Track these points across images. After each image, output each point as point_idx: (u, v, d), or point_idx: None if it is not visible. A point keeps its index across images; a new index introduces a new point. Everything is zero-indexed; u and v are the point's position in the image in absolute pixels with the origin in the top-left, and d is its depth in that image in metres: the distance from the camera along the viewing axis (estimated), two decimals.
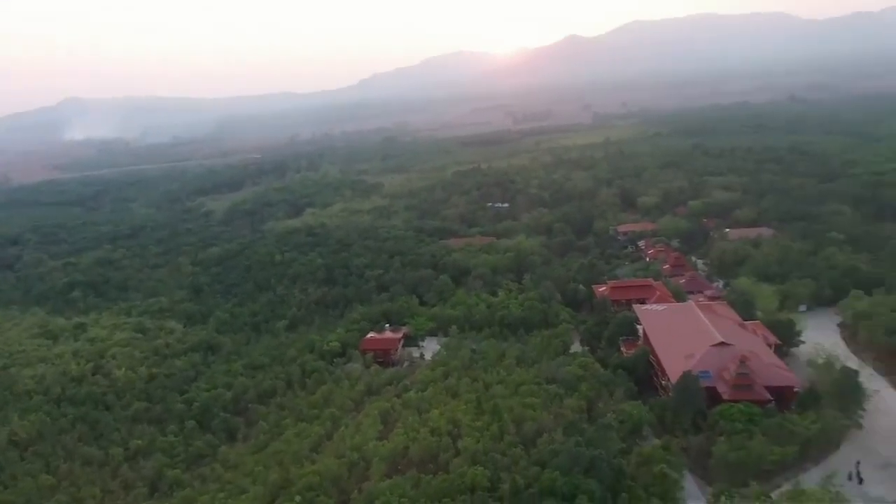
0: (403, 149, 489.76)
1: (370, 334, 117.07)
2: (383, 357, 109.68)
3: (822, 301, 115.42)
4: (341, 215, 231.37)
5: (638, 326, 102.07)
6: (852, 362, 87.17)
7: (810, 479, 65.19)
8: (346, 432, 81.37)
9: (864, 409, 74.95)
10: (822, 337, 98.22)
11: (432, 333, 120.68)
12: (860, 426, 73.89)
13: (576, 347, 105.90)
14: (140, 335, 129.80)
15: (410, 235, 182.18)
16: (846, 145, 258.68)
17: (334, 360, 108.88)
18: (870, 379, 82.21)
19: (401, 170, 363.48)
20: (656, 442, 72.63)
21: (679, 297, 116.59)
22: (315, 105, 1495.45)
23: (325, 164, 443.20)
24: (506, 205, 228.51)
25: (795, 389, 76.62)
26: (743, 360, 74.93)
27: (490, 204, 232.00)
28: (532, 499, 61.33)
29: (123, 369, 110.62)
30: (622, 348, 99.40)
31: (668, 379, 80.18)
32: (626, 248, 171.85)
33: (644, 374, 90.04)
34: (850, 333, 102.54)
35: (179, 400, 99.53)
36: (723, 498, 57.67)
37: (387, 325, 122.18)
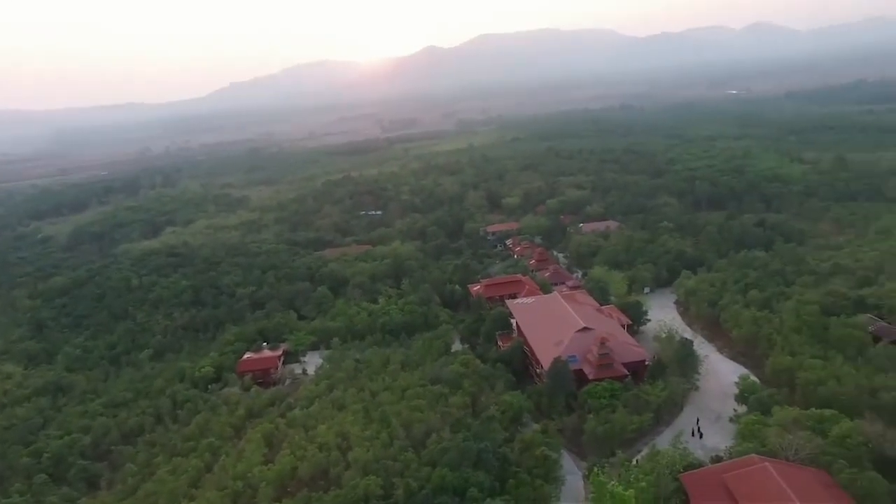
0: (269, 160, 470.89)
1: (247, 355, 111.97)
2: (263, 377, 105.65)
3: (661, 282, 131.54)
4: (206, 232, 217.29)
5: (511, 320, 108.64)
6: (687, 333, 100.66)
7: (663, 440, 74.06)
8: (228, 461, 77.39)
9: (699, 374, 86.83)
10: (663, 314, 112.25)
11: (314, 347, 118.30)
12: (697, 388, 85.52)
13: (457, 346, 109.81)
14: None
15: (283, 249, 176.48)
16: (667, 146, 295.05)
17: (209, 386, 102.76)
18: (701, 346, 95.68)
19: (268, 182, 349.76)
20: (535, 427, 78.04)
21: (545, 289, 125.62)
22: (167, 116, 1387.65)
23: (183, 179, 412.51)
24: (379, 212, 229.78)
25: (646, 363, 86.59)
26: (603, 342, 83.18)
27: (363, 212, 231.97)
28: (426, 499, 63.05)
29: None
30: (499, 343, 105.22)
31: (542, 367, 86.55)
32: (495, 247, 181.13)
33: (520, 364, 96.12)
34: (683, 309, 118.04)
35: (24, 453, 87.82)
36: (595, 469, 63.43)
37: (264, 344, 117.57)
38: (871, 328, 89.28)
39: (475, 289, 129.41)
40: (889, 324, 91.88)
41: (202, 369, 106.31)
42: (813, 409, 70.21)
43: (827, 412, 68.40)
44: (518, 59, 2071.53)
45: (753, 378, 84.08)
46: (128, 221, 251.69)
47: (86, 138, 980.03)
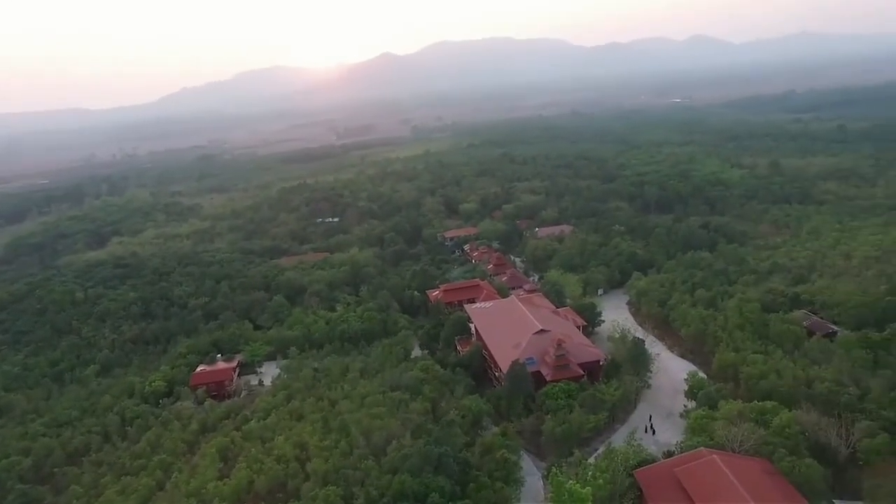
0: (222, 167, 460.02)
1: (200, 367, 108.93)
2: (217, 390, 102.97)
3: (614, 284, 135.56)
4: (155, 242, 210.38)
5: (470, 325, 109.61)
6: (640, 333, 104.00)
7: (619, 438, 76.36)
8: (181, 478, 75.06)
9: (650, 372, 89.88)
10: (616, 314, 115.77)
11: (271, 357, 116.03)
12: (650, 386, 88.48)
13: (416, 352, 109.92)
14: None
15: (238, 258, 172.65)
16: (617, 152, 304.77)
17: (160, 401, 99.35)
18: (652, 345, 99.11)
19: (221, 189, 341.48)
20: (495, 430, 78.83)
21: (503, 293, 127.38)
22: (114, 122, 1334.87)
23: (131, 187, 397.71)
24: (336, 219, 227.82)
25: (601, 363, 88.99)
26: (559, 344, 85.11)
27: (320, 219, 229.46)
28: None
29: None
30: (458, 347, 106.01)
31: (500, 370, 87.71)
32: (453, 252, 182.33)
33: (480, 368, 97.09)
34: (635, 309, 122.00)
35: None
36: (553, 469, 64.78)
37: (218, 356, 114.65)
38: (805, 323, 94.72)
39: (434, 294, 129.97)
40: (821, 318, 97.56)
41: (153, 384, 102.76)
42: (755, 401, 73.97)
43: (768, 404, 72.12)
44: (473, 66, 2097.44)
45: (701, 374, 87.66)
46: (71, 232, 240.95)
47: (22, 146, 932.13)
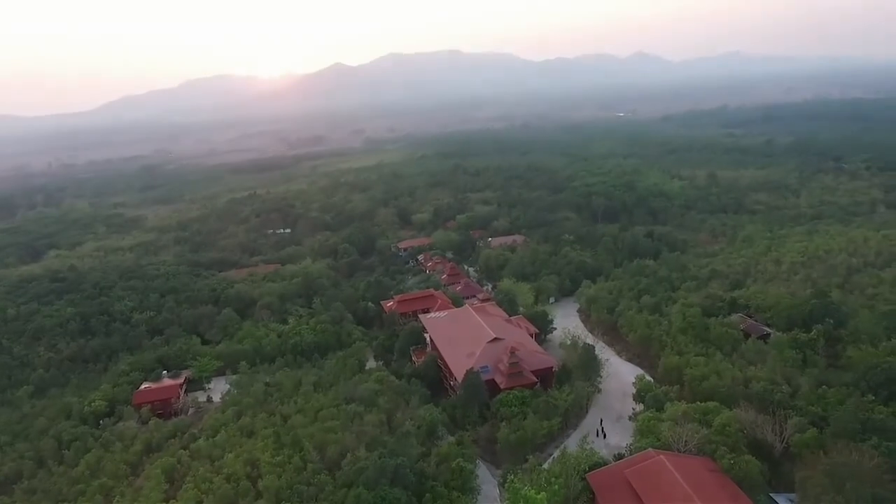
0: (167, 178, 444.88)
1: (144, 385, 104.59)
2: (163, 408, 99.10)
3: (564, 292, 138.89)
4: (95, 255, 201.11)
5: (425, 335, 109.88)
6: (590, 339, 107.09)
7: (572, 442, 78.11)
8: (123, 502, 71.91)
9: (601, 377, 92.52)
10: (567, 322, 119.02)
11: (221, 373, 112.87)
12: (600, 390, 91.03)
13: (371, 364, 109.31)
14: None
15: (185, 270, 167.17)
16: (566, 163, 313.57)
17: (101, 421, 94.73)
18: (602, 350, 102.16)
19: (166, 201, 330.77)
20: (451, 439, 79.24)
21: (457, 302, 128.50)
22: (48, 130, 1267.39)
23: (68, 199, 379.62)
24: (288, 230, 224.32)
25: (554, 369, 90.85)
26: (513, 352, 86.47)
27: (271, 231, 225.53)
28: None
29: None
30: (413, 358, 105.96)
31: (455, 379, 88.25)
32: (407, 262, 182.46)
33: (435, 378, 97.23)
34: (585, 316, 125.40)
35: None
36: (509, 476, 65.66)
37: (164, 372, 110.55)
38: (742, 326, 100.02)
39: (388, 305, 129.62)
40: (756, 321, 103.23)
41: (92, 403, 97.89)
42: (699, 402, 77.31)
43: (710, 404, 75.57)
44: (424, 78, 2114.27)
45: (648, 378, 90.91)
46: (2, 245, 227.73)
47: None
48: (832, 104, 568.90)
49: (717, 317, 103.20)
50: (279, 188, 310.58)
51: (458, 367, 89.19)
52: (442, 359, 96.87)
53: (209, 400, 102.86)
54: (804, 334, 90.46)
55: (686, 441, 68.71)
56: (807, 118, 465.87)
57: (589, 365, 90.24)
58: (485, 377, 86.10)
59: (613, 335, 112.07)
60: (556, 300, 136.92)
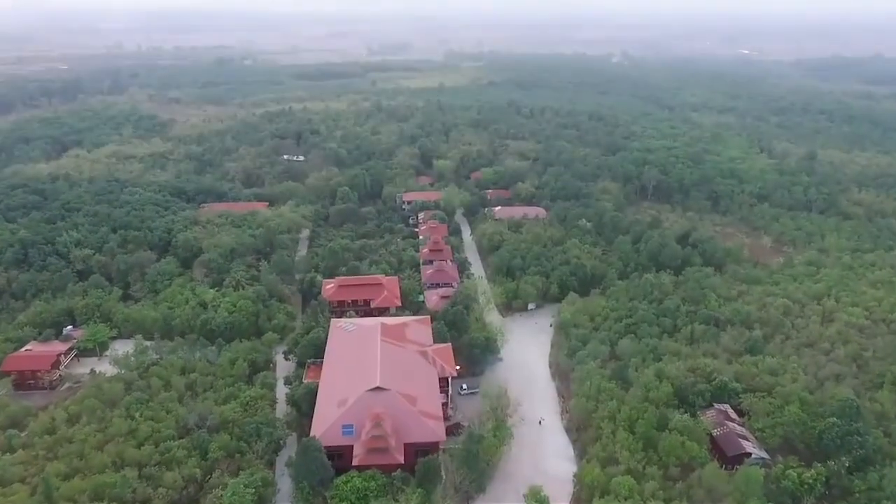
0: (233, 74, 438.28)
1: (28, 346, 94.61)
2: (33, 379, 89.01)
3: (550, 298, 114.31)
4: (107, 161, 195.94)
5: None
6: (542, 382, 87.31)
7: None
8: None
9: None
10: (534, 341, 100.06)
11: (128, 336, 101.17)
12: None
13: (280, 363, 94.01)
14: None
15: (160, 199, 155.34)
16: (638, 114, 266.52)
17: None
18: (546, 400, 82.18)
19: (218, 101, 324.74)
20: None
21: (410, 295, 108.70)
22: (154, 8, 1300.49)
23: (134, 87, 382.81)
24: (301, 158, 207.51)
25: (441, 447, 68.88)
26: (378, 421, 65.44)
27: (286, 157, 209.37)
28: None
29: None
30: (307, 374, 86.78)
31: (308, 433, 68.91)
32: (408, 218, 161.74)
33: (311, 411, 78.00)
34: (557, 337, 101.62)
35: None
36: None
37: (69, 328, 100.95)
38: (715, 431, 71.21)
39: (328, 287, 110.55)
40: (740, 429, 72.57)
41: None
42: None
43: None
44: None
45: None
46: (35, 136, 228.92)
47: (55, 23, 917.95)
48: None
49: (691, 407, 75.25)
50: (320, 105, 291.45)
51: (321, 416, 70.26)
52: (317, 394, 76.77)
53: (92, 372, 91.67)
54: (803, 469, 62.58)
55: None
56: None
57: (469, 461, 65.29)
58: (345, 440, 66.77)
59: (567, 384, 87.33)
60: (538, 307, 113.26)
